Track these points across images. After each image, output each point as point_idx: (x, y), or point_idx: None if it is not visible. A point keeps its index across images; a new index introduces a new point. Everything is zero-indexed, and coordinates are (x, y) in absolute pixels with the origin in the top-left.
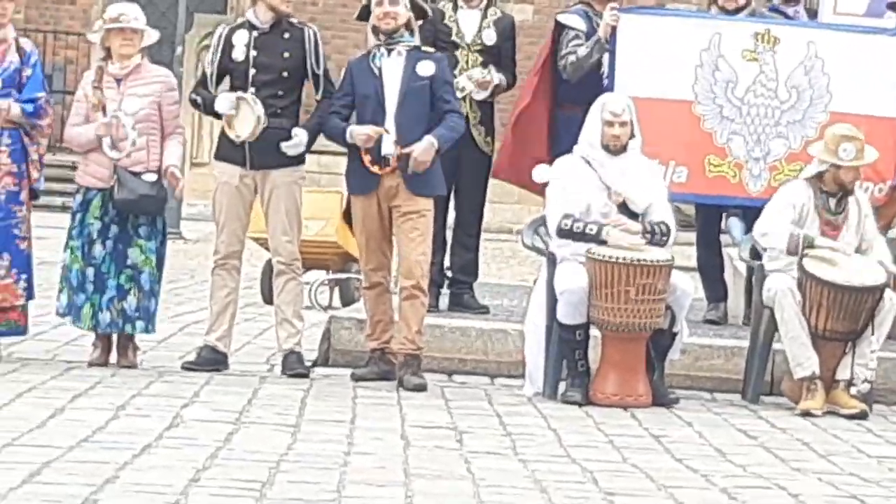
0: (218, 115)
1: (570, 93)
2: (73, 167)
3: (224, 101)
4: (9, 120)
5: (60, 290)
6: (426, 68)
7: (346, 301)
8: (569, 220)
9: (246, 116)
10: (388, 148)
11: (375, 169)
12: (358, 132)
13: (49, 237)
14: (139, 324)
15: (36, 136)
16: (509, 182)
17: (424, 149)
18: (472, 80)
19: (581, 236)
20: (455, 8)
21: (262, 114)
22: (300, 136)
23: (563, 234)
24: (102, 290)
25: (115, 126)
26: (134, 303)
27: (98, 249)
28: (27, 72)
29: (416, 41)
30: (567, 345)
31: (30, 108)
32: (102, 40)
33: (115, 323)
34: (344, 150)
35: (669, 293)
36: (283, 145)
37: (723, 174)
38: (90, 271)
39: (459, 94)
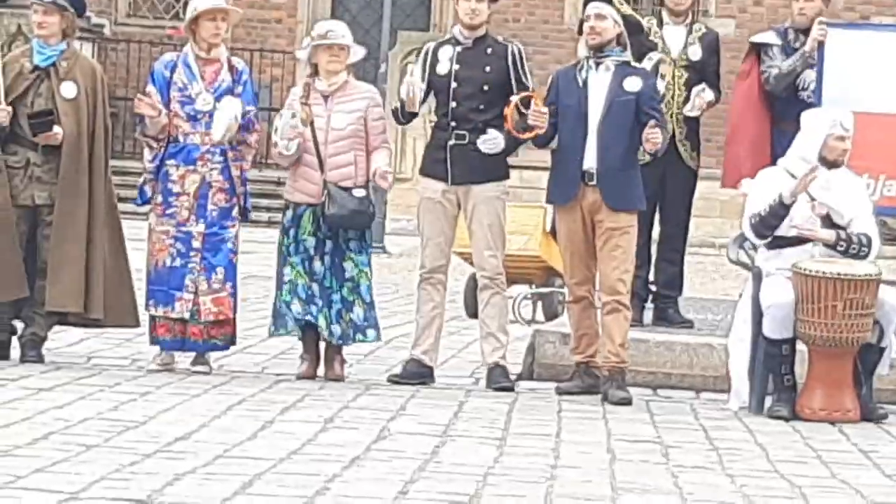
0: (412, 114)
1: (783, 110)
2: (279, 183)
3: (404, 86)
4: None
5: (289, 304)
6: (633, 84)
7: (550, 315)
8: (755, 217)
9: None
10: (590, 162)
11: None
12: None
13: (256, 252)
14: (370, 332)
15: (243, 151)
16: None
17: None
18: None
19: (770, 217)
20: (660, 24)
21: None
22: (494, 133)
23: (757, 230)
24: (329, 304)
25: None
26: (361, 314)
27: (318, 265)
28: (238, 90)
29: (627, 56)
30: (773, 359)
31: (241, 121)
32: (309, 57)
33: (346, 335)
34: (545, 164)
35: (877, 308)
36: (480, 140)
37: None
38: (315, 287)
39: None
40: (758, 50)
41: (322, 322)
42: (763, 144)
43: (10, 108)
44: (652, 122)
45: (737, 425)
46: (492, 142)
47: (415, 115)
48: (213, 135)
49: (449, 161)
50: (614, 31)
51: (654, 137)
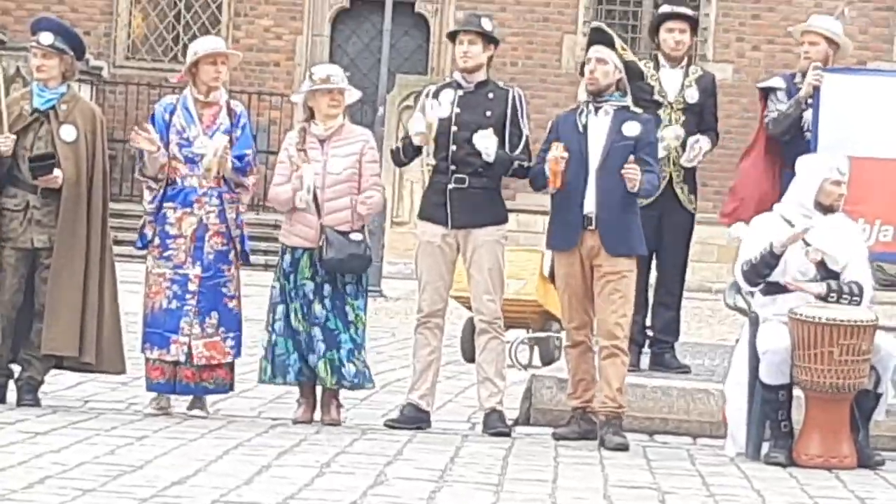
0: (416, 150)
1: (790, 153)
2: (276, 226)
3: (416, 120)
4: (217, 177)
5: (290, 354)
6: (632, 128)
7: (546, 360)
8: (747, 263)
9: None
10: (590, 207)
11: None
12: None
13: (252, 295)
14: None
15: (240, 193)
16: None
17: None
18: (674, 135)
19: (761, 265)
20: (657, 67)
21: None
22: (488, 134)
23: (748, 277)
24: (337, 346)
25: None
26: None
27: (318, 309)
28: (237, 133)
29: (627, 102)
30: (770, 405)
31: (237, 163)
32: (306, 101)
33: (361, 373)
34: (541, 208)
35: (874, 354)
36: (477, 135)
37: None
38: (317, 331)
39: (663, 152)
40: (766, 95)
41: (322, 367)
42: (766, 190)
43: (14, 136)
44: (630, 157)
45: (733, 471)
46: (488, 139)
47: (419, 152)
48: (202, 165)
49: (449, 205)
50: (614, 77)
51: (630, 175)
